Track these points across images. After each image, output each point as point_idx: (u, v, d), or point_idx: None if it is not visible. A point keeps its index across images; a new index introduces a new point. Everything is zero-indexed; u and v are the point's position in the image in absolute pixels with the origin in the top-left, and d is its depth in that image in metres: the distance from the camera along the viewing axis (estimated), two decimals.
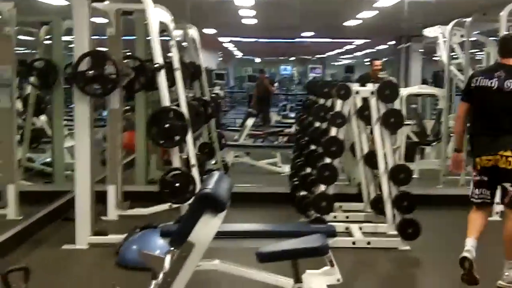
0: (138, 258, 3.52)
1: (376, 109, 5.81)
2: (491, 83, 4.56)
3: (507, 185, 4.54)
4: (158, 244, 4.42)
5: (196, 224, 2.92)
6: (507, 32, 6.19)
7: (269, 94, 14.53)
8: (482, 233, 4.64)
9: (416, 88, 10.61)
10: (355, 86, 5.94)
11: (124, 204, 6.49)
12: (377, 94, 5.71)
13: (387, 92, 5.66)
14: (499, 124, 4.55)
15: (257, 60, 25.34)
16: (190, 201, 5.09)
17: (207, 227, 2.91)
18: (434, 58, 19.78)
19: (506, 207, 4.63)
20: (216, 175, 3.28)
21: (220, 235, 3.04)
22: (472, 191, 4.75)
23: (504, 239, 4.55)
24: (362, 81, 7.79)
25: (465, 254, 4.47)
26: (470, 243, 4.53)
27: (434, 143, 9.64)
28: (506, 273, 4.53)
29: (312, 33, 15.73)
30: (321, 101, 6.92)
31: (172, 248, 3.06)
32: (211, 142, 7.96)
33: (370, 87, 5.91)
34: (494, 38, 9.60)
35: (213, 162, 8.10)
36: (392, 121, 5.63)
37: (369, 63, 9.95)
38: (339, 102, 5.87)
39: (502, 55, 4.69)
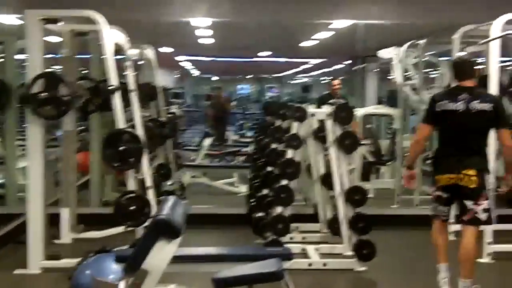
0: (92, 284, 3.46)
1: (332, 131, 5.85)
2: (456, 106, 4.63)
3: (468, 203, 4.61)
4: (113, 269, 4.33)
5: (150, 251, 2.88)
6: (458, 56, 6.31)
7: (226, 113, 14.45)
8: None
9: (371, 108, 10.74)
10: (310, 108, 5.97)
11: (78, 227, 6.39)
12: (333, 116, 5.76)
13: (343, 114, 5.70)
14: (467, 145, 4.64)
15: (214, 78, 25.34)
16: (145, 224, 5.03)
17: (161, 254, 2.88)
18: (388, 78, 20.13)
19: (465, 224, 4.68)
20: (171, 200, 3.26)
21: (176, 259, 3.02)
22: (432, 206, 4.87)
23: (461, 258, 4.61)
24: (323, 101, 7.91)
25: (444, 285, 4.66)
26: (443, 270, 4.72)
27: (389, 163, 9.75)
28: None
29: (269, 53, 15.79)
30: (278, 122, 6.94)
31: (126, 275, 3.01)
32: (168, 162, 7.90)
33: (326, 109, 5.95)
34: (446, 59, 9.85)
35: (169, 183, 8.04)
36: (347, 143, 5.67)
37: (327, 81, 9.96)
38: (295, 124, 5.90)
39: (460, 79, 4.77)
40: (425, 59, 8.86)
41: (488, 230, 5.91)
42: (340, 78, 10.51)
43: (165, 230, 2.95)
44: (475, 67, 4.98)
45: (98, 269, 4.66)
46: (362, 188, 5.79)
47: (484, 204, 4.59)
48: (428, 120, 4.80)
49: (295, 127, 5.91)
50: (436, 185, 4.75)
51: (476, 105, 4.60)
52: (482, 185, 4.59)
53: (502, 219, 6.55)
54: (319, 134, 6.21)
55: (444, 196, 4.72)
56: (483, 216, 4.60)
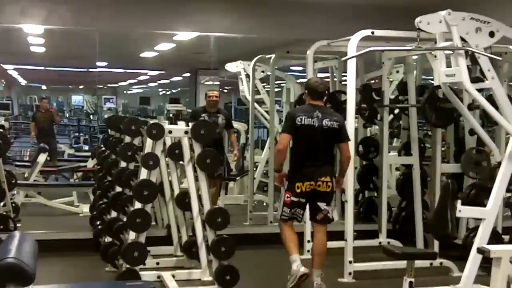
0: None
1: (189, 149, 5.48)
2: (313, 121, 5.37)
3: (322, 205, 5.41)
4: None
5: None
6: (312, 77, 6.45)
7: (52, 125, 13.16)
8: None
9: None
10: (167, 125, 5.55)
11: None
12: (191, 133, 5.38)
13: (202, 132, 5.34)
14: (319, 156, 5.40)
15: (44, 87, 23.97)
16: None
17: None
18: (225, 91, 20.16)
19: (318, 224, 5.49)
20: (16, 237, 2.71)
21: None
22: (283, 210, 5.46)
23: (315, 251, 5.44)
24: (196, 116, 7.73)
25: (303, 270, 5.21)
26: (298, 259, 5.30)
27: (239, 178, 9.54)
28: (315, 281, 5.32)
29: (105, 63, 15.13)
30: (127, 139, 6.45)
31: None
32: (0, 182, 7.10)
33: (183, 126, 5.57)
34: (291, 74, 9.86)
35: (1, 204, 7.23)
36: (208, 162, 5.31)
37: (166, 92, 9.07)
38: (150, 142, 5.46)
39: (313, 98, 5.51)
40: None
41: (348, 248, 5.85)
42: (178, 89, 10.14)
43: (14, 276, 2.42)
44: (325, 89, 5.77)
45: None
46: (224, 210, 5.46)
47: (332, 205, 5.49)
48: (289, 131, 5.41)
49: (150, 145, 5.46)
50: (295, 191, 5.37)
51: (327, 122, 5.39)
52: (332, 189, 5.44)
53: (360, 235, 6.60)
54: (174, 151, 5.82)
55: (302, 201, 5.41)
56: (331, 215, 5.46)
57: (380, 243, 6.87)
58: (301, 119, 5.35)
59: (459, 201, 4.37)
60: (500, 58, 4.43)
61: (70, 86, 22.87)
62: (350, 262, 5.85)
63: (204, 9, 7.72)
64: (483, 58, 4.45)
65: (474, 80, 4.64)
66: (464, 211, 4.43)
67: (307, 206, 5.49)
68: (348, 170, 5.68)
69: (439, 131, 6.11)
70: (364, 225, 7.47)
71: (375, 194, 8.07)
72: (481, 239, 4.43)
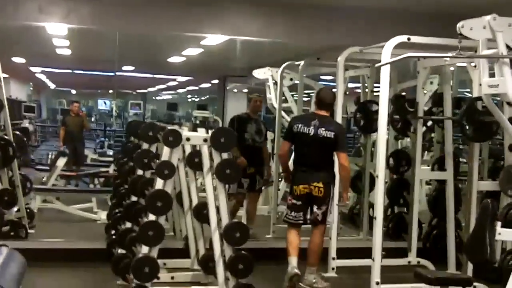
0: None
1: (209, 158, 5.14)
2: (309, 130, 5.84)
3: (314, 208, 5.83)
4: None
5: None
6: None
7: (82, 130, 13.06)
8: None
9: None
10: (185, 132, 5.21)
11: None
12: (210, 141, 5.04)
13: (222, 140, 4.99)
14: (313, 162, 5.83)
15: (73, 92, 23.90)
16: None
17: None
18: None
19: (311, 224, 5.91)
20: (2, 255, 2.38)
21: None
22: (287, 213, 5.94)
23: (309, 250, 5.84)
24: (241, 123, 7.48)
25: (295, 271, 5.65)
26: (294, 261, 5.71)
27: (263, 188, 9.17)
28: (305, 277, 5.77)
29: (132, 68, 14.93)
30: (145, 145, 6.14)
31: None
32: (14, 186, 6.86)
33: (203, 133, 5.23)
34: (321, 82, 9.50)
35: (15, 209, 6.99)
36: (227, 172, 4.96)
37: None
38: (166, 150, 5.12)
39: (318, 107, 5.98)
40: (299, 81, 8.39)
41: (376, 268, 5.47)
42: (207, 96, 9.84)
43: None
44: (332, 101, 6.09)
45: None
46: (243, 224, 5.10)
47: (323, 209, 5.82)
48: (287, 138, 6.05)
49: (166, 153, 5.12)
50: (294, 194, 5.88)
51: (322, 132, 5.78)
52: (326, 194, 5.80)
53: (388, 253, 6.18)
54: (193, 160, 5.50)
55: (298, 203, 5.86)
56: (320, 217, 5.83)
57: (409, 262, 6.50)
58: (298, 127, 5.89)
59: (498, 223, 3.96)
60: None
61: (99, 91, 22.76)
62: (377, 283, 5.45)
63: (233, 12, 7.38)
64: None
65: None
66: (504, 234, 4.02)
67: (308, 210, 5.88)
68: (378, 185, 5.50)
69: (476, 145, 5.69)
70: (393, 242, 7.05)
71: (405, 210, 7.72)
72: None
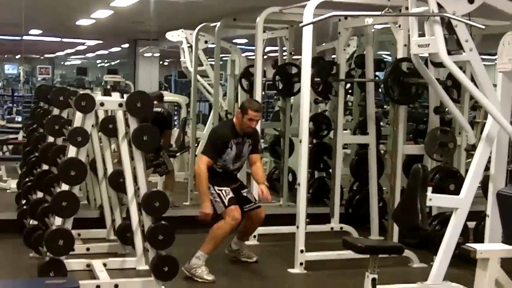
0: None
1: (124, 124, 4.84)
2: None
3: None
4: None
5: None
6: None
7: None
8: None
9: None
10: (98, 97, 4.87)
11: None
12: (126, 106, 4.73)
13: (139, 105, 4.69)
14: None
15: None
16: None
17: None
18: (165, 64, 19.49)
19: None
20: None
21: None
22: None
23: (211, 235, 5.23)
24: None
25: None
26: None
27: (179, 154, 8.93)
28: (193, 261, 5.18)
29: (39, 31, 14.26)
30: (56, 111, 5.76)
31: None
32: None
33: (117, 97, 4.91)
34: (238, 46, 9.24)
35: None
36: (145, 139, 4.67)
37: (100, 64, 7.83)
38: (79, 115, 4.78)
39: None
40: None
41: (300, 236, 5.34)
42: (117, 61, 9.45)
43: None
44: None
45: None
46: (163, 193, 4.83)
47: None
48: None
49: (79, 119, 4.79)
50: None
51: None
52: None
53: (310, 219, 6.05)
54: (108, 127, 5.19)
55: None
56: None
57: (332, 228, 6.45)
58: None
59: (429, 189, 3.87)
60: (483, 27, 3.90)
61: (6, 56, 21.81)
62: (302, 251, 5.32)
63: None
64: (461, 27, 3.94)
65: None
66: (435, 200, 3.95)
67: None
68: (301, 150, 5.35)
69: (402, 108, 5.61)
70: (314, 208, 6.95)
71: (324, 174, 7.66)
72: (453, 232, 3.96)
